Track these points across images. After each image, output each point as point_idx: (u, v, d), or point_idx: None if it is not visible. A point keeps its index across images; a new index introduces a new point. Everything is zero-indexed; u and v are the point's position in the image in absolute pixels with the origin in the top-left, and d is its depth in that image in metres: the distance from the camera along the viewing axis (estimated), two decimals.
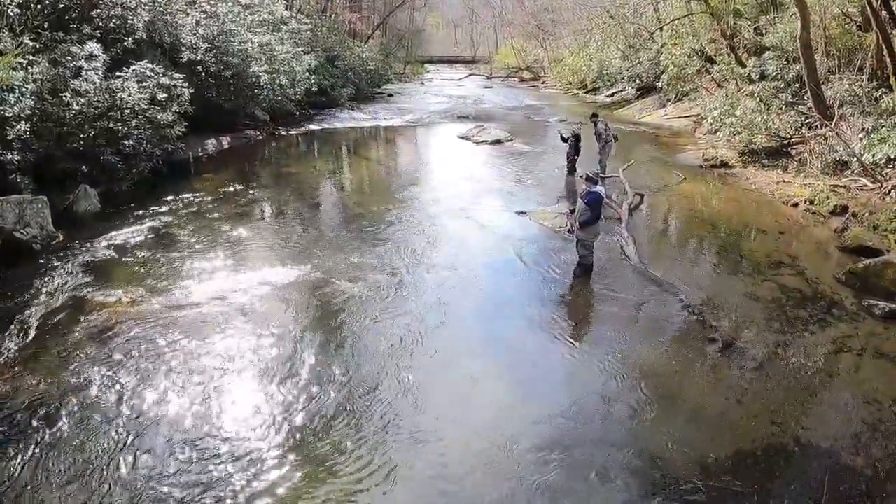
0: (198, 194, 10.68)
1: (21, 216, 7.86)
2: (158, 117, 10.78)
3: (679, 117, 21.00)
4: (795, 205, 10.63)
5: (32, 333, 5.81)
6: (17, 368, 5.25)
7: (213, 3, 14.59)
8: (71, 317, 6.15)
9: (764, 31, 17.94)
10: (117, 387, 5.04)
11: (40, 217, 8.11)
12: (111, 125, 9.95)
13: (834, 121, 12.34)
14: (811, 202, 10.41)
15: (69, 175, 9.41)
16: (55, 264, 7.36)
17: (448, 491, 4.07)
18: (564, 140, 12.61)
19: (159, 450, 4.35)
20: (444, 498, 4.03)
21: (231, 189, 11.27)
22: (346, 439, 4.51)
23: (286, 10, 19.81)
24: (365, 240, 8.66)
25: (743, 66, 17.34)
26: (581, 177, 7.54)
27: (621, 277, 7.65)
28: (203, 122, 13.57)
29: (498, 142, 17.04)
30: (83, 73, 9.79)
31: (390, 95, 30.20)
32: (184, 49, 13.57)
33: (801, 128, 13.80)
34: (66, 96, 9.40)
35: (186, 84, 11.75)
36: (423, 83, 40.12)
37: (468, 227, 9.31)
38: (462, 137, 17.79)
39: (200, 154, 13.80)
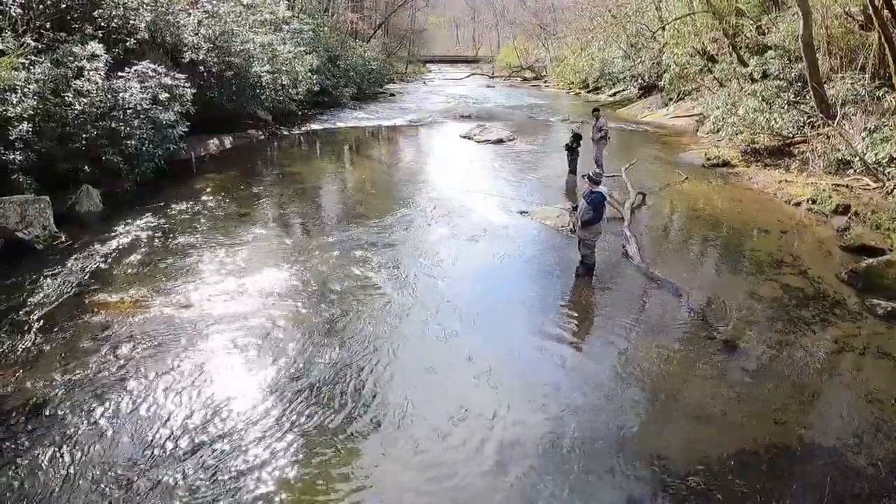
0: (200, 194, 10.71)
1: (23, 216, 7.90)
2: (160, 117, 10.80)
3: (681, 117, 20.99)
4: (797, 204, 10.62)
5: (35, 333, 5.82)
6: (19, 368, 5.27)
7: (214, 2, 14.62)
8: (73, 317, 6.17)
9: (766, 30, 17.93)
10: (121, 387, 5.05)
11: (42, 217, 8.15)
12: (113, 125, 9.96)
13: (836, 120, 12.32)
14: (813, 201, 10.40)
15: (71, 175, 9.44)
16: (57, 264, 7.39)
17: (447, 488, 4.09)
18: (569, 148, 12.41)
19: (161, 450, 4.35)
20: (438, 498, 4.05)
21: (233, 189, 11.29)
22: (361, 430, 4.53)
23: (288, 9, 19.83)
24: (368, 239, 8.66)
25: (745, 65, 17.33)
26: (583, 177, 7.54)
27: (623, 277, 7.65)
28: (205, 122, 13.62)
29: (500, 141, 17.05)
30: (85, 73, 9.81)
31: (392, 95, 30.24)
32: (186, 49, 13.59)
33: (803, 127, 13.79)
34: (68, 96, 9.42)
35: (188, 84, 11.78)
36: (424, 83, 40.15)
37: (470, 227, 9.30)
38: (464, 137, 17.82)
39: (202, 154, 13.84)
